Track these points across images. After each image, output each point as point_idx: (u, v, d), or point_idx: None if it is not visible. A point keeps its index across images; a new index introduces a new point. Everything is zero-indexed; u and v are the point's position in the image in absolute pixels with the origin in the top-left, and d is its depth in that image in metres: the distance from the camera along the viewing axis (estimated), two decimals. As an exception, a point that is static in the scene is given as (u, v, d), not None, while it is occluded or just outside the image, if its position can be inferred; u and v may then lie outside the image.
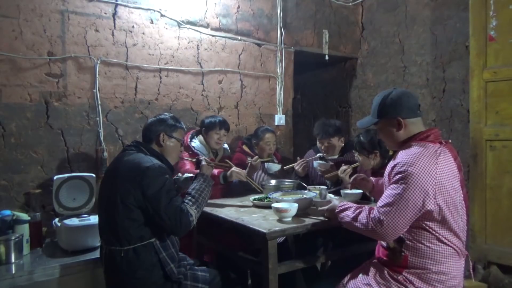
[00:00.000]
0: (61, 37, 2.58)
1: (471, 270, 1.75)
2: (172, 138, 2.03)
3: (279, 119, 3.62)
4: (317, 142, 2.88)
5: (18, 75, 2.45)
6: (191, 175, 2.22)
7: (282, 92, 3.62)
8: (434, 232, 1.56)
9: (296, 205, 1.98)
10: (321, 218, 1.99)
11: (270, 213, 2.10)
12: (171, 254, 1.84)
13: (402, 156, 1.59)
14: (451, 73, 3.37)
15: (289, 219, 1.95)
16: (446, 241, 1.56)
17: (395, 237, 1.58)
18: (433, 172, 1.51)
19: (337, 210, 1.80)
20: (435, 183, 1.51)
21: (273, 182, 2.69)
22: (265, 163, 2.91)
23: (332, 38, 3.95)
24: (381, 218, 1.53)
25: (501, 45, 2.53)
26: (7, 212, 2.22)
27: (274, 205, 2.01)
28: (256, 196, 2.50)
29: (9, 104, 2.43)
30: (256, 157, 2.78)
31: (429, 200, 1.50)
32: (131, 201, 1.75)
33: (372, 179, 2.15)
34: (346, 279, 1.79)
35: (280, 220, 1.95)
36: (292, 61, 3.70)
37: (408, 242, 1.60)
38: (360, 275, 1.74)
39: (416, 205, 1.50)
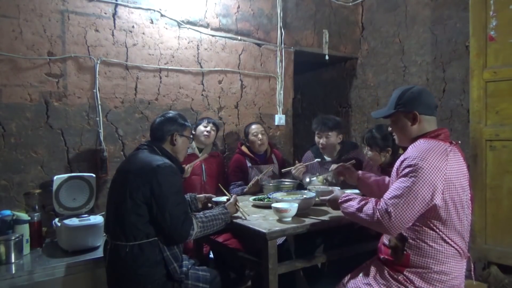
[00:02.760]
0: (61, 37, 2.58)
1: (472, 271, 1.75)
2: (183, 137, 2.06)
3: (279, 119, 3.62)
4: (315, 137, 2.85)
5: (18, 75, 2.45)
6: (224, 199, 2.21)
7: (282, 92, 3.62)
8: (438, 231, 1.55)
9: (296, 205, 1.98)
10: (321, 218, 1.99)
11: (270, 213, 2.10)
12: (175, 254, 1.85)
13: (412, 151, 1.59)
14: (451, 73, 3.38)
15: (289, 219, 1.95)
16: (449, 241, 1.56)
17: (400, 230, 1.57)
18: (442, 168, 1.51)
19: (340, 200, 1.77)
20: (444, 179, 1.51)
21: (273, 182, 2.69)
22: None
23: (332, 38, 3.95)
24: (389, 210, 1.52)
25: (501, 45, 2.53)
26: (7, 212, 2.22)
27: (274, 205, 2.01)
28: (256, 196, 2.51)
29: (9, 104, 2.43)
30: (255, 178, 2.75)
31: (437, 195, 1.50)
32: (139, 196, 1.77)
33: (360, 173, 2.15)
34: (346, 278, 1.79)
35: (280, 220, 1.95)
36: (292, 61, 3.70)
37: (411, 240, 1.59)
38: (361, 274, 1.74)
39: (424, 199, 1.49)
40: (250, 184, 2.73)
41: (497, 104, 2.55)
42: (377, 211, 1.56)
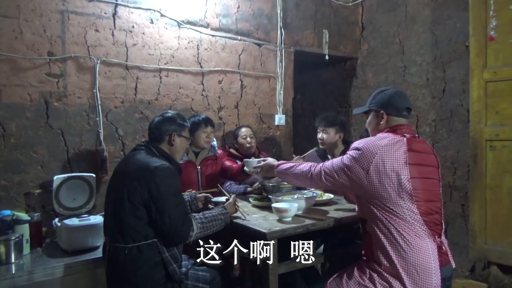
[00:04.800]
0: (61, 37, 2.58)
1: (452, 263, 1.73)
2: (181, 137, 2.05)
3: (279, 119, 3.62)
4: (317, 134, 2.90)
5: (18, 75, 2.45)
6: (223, 200, 2.21)
7: (282, 92, 3.62)
8: (379, 208, 1.66)
9: (296, 205, 1.98)
10: (321, 218, 1.99)
11: (270, 213, 2.10)
12: (174, 255, 1.84)
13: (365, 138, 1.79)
14: (451, 73, 3.38)
15: (289, 219, 1.95)
16: (392, 219, 1.63)
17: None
18: (374, 152, 1.66)
19: (277, 163, 2.02)
20: (373, 161, 1.65)
21: (273, 182, 2.69)
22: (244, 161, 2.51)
23: (332, 38, 3.95)
24: (322, 173, 1.79)
25: (501, 45, 2.53)
26: (7, 212, 2.22)
27: (274, 205, 2.01)
28: (256, 196, 2.50)
29: (9, 104, 2.42)
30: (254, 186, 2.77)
31: (363, 174, 1.66)
32: (137, 199, 1.77)
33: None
34: (331, 278, 1.83)
35: (280, 220, 1.95)
36: (292, 61, 3.70)
37: (368, 221, 1.72)
38: (345, 274, 1.79)
39: (351, 174, 1.69)
40: (255, 186, 2.74)
41: (497, 104, 2.55)
42: (313, 169, 1.84)
